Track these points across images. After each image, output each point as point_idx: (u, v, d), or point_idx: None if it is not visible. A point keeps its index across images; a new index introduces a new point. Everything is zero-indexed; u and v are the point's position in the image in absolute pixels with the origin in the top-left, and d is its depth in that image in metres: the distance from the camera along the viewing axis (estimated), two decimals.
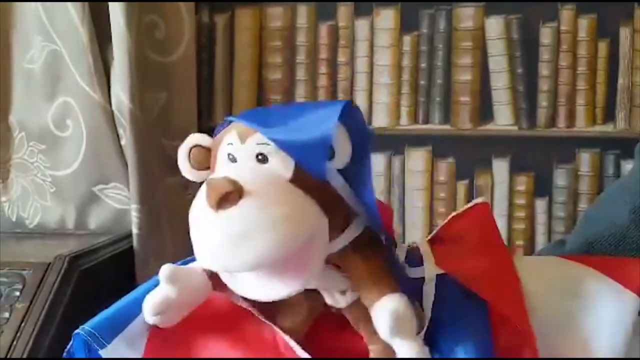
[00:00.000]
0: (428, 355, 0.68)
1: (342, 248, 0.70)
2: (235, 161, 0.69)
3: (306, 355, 0.70)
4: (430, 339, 0.69)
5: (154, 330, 0.73)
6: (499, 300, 0.70)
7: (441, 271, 0.73)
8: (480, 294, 0.70)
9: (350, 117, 0.69)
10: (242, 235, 0.64)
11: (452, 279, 0.72)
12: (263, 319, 0.72)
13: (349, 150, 0.68)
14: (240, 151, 0.69)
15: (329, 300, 0.73)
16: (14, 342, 0.95)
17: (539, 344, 0.69)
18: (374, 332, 0.70)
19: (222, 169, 0.69)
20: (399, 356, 0.67)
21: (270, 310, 0.73)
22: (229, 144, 0.70)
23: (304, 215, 0.66)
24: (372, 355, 0.72)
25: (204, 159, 0.72)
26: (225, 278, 0.70)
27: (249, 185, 0.65)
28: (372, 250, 0.71)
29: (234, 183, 0.64)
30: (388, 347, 0.69)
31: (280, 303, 0.71)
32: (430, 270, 0.73)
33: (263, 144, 0.68)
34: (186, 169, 0.73)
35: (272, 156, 0.68)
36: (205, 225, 0.66)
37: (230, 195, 0.64)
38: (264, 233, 0.64)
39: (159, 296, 0.72)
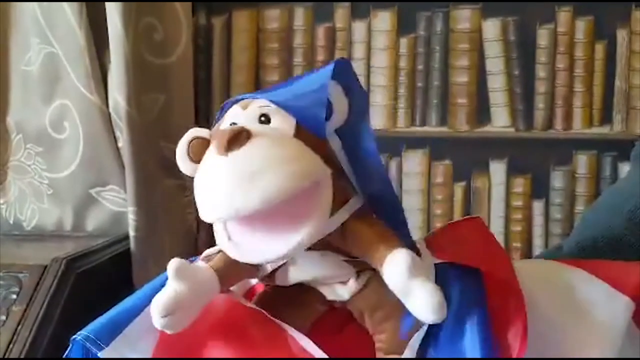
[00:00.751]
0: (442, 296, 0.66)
1: (343, 223, 0.70)
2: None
3: (324, 356, 0.69)
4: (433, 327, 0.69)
5: (161, 339, 0.72)
6: (491, 268, 0.70)
7: (439, 260, 0.72)
8: (474, 265, 0.70)
9: (345, 75, 0.70)
10: (252, 173, 0.64)
11: (449, 268, 0.71)
12: (276, 321, 0.71)
13: (345, 107, 0.70)
14: (242, 116, 0.70)
15: (330, 296, 0.73)
16: (11, 346, 0.95)
17: (533, 345, 0.69)
18: (380, 321, 0.71)
19: None
20: (420, 297, 0.65)
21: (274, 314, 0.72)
22: (231, 116, 0.71)
23: (311, 160, 0.67)
24: (379, 345, 0.71)
25: (204, 151, 0.71)
26: (227, 246, 0.68)
27: (256, 131, 0.66)
28: (375, 218, 0.71)
29: (242, 127, 0.65)
30: (396, 335, 0.69)
31: (280, 305, 0.71)
32: (428, 258, 0.73)
33: (265, 106, 0.69)
34: (185, 164, 0.72)
35: (274, 116, 0.69)
36: (214, 172, 0.65)
37: (239, 136, 0.64)
38: (274, 169, 0.64)
39: (168, 294, 0.68)
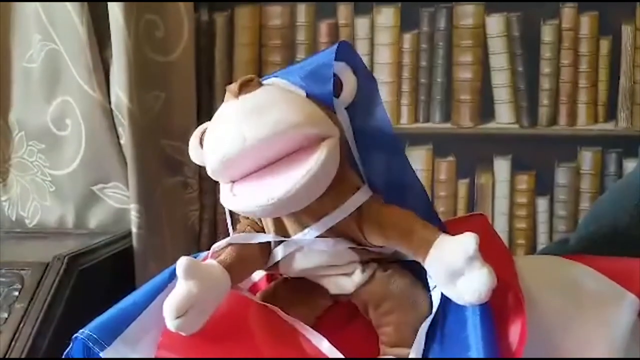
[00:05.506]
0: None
1: (360, 212, 0.69)
2: None
3: (340, 356, 0.68)
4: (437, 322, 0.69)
5: (164, 339, 0.71)
6: (494, 266, 0.69)
7: None
8: None
9: (350, 56, 0.71)
10: (262, 107, 0.65)
11: None
12: (288, 318, 0.70)
13: (354, 84, 0.70)
14: None
15: (334, 290, 0.72)
16: (13, 343, 0.95)
17: (538, 342, 0.69)
18: (384, 314, 0.70)
19: None
20: (475, 280, 0.64)
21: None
22: None
23: (321, 115, 0.67)
24: (383, 338, 0.71)
25: None
26: (231, 201, 0.67)
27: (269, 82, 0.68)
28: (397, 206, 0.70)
29: (253, 76, 0.68)
30: (400, 328, 0.69)
31: (285, 300, 0.71)
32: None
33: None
34: (197, 152, 0.71)
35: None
36: (224, 114, 0.67)
37: (250, 82, 0.67)
38: (283, 105, 0.66)
39: (180, 294, 0.66)
